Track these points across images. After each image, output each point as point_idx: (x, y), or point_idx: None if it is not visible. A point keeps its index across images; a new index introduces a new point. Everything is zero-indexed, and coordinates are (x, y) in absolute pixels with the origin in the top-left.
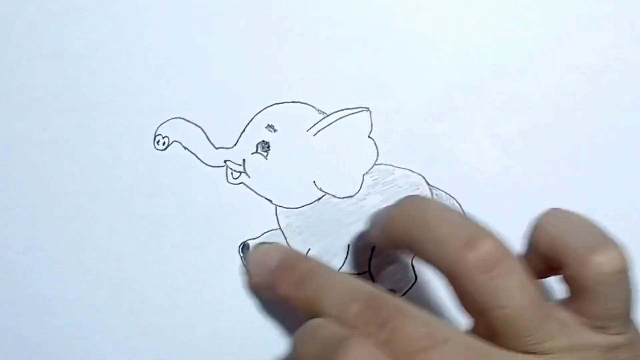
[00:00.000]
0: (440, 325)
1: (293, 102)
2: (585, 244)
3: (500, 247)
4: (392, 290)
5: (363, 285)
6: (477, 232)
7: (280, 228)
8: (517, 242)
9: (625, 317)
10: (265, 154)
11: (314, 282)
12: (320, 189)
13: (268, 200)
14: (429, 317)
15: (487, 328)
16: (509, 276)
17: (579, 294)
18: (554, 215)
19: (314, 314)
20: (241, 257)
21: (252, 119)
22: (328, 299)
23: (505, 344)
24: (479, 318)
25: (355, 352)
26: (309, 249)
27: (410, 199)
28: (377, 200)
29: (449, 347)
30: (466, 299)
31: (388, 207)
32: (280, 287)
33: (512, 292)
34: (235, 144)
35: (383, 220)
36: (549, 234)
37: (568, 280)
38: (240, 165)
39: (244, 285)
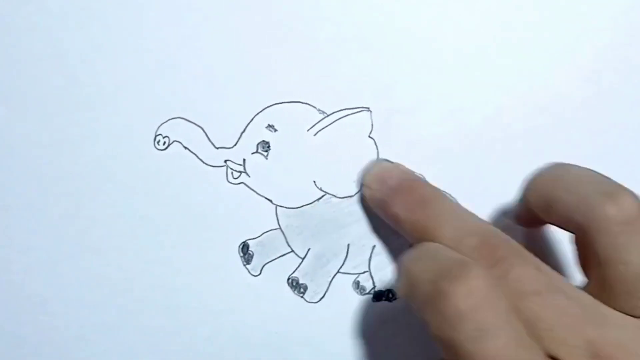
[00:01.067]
0: (554, 274)
1: (293, 102)
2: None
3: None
4: (392, 290)
5: (481, 221)
6: (618, 187)
7: (280, 228)
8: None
9: None
10: (265, 153)
11: (431, 208)
12: (320, 189)
13: (268, 200)
14: (544, 265)
15: (600, 287)
16: None
17: None
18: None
19: (424, 239)
20: (241, 256)
21: (252, 119)
22: (443, 228)
23: (614, 304)
24: (597, 273)
25: (477, 275)
26: (309, 249)
27: (552, 163)
28: None
29: (562, 296)
30: (592, 252)
31: (532, 173)
32: (394, 206)
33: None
34: (235, 144)
35: (527, 183)
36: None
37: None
38: (240, 165)
39: (244, 285)
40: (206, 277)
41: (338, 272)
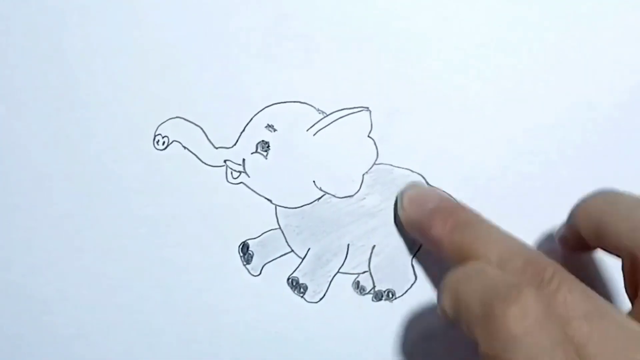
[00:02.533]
0: (599, 298)
1: (293, 102)
2: None
3: None
4: (392, 290)
5: (524, 244)
6: None
7: (280, 228)
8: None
9: None
10: (265, 153)
11: (473, 230)
12: (320, 189)
13: (268, 200)
14: (589, 289)
15: None
16: None
17: None
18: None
19: (466, 261)
20: (241, 256)
21: (251, 119)
22: (487, 249)
23: None
24: None
25: (530, 298)
26: (309, 249)
27: (602, 189)
28: (377, 200)
29: (607, 322)
30: None
31: (582, 198)
32: (435, 229)
33: None
34: (235, 144)
35: (577, 207)
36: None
37: None
38: (240, 165)
39: (244, 285)
40: (206, 277)
41: (338, 272)
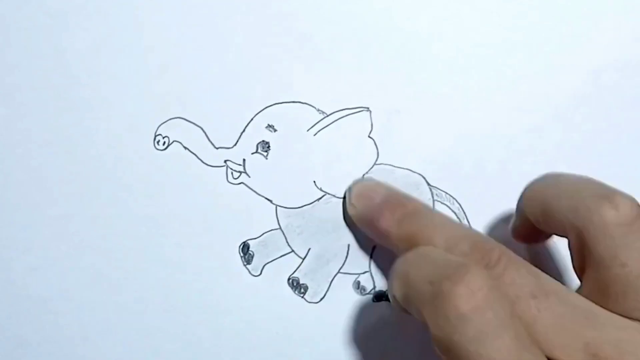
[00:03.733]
0: (546, 277)
1: (293, 102)
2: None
3: (637, 206)
4: None
5: (471, 229)
6: (615, 190)
7: (280, 228)
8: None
9: None
10: (265, 153)
11: (420, 220)
12: (321, 189)
13: (268, 200)
14: (535, 268)
15: (596, 290)
16: None
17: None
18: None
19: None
20: (241, 256)
21: (252, 119)
22: (434, 236)
23: (611, 306)
24: (593, 276)
25: (477, 277)
26: (310, 249)
27: (546, 174)
28: None
29: (556, 299)
30: (589, 254)
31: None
32: (382, 222)
33: None
34: (235, 144)
35: (523, 193)
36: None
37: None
38: (240, 165)
39: (244, 285)
40: (206, 277)
41: (339, 272)
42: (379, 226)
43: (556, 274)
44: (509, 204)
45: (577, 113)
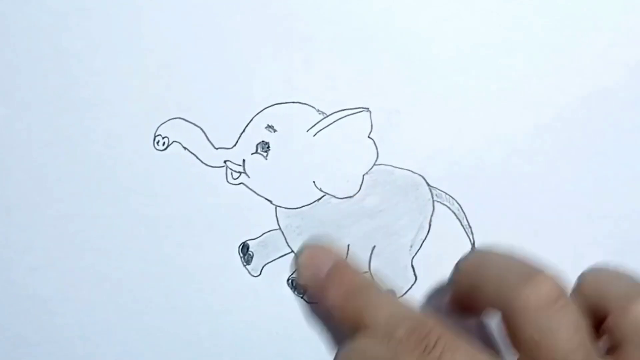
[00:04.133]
0: (483, 355)
1: (293, 102)
2: (625, 294)
3: (558, 286)
4: (392, 291)
5: (411, 309)
6: (535, 270)
7: (280, 228)
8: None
9: None
10: (265, 154)
11: (362, 298)
12: (320, 189)
13: (268, 200)
14: (473, 349)
15: None
16: (564, 315)
17: (619, 344)
18: (596, 269)
19: (358, 329)
20: (241, 257)
21: (252, 119)
22: (376, 315)
23: None
24: (526, 356)
25: None
26: None
27: (476, 249)
28: (377, 201)
29: None
30: (517, 335)
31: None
32: (329, 296)
33: (564, 332)
34: (235, 144)
35: (453, 270)
36: (591, 286)
37: (610, 330)
38: (240, 165)
39: (244, 285)
40: (206, 278)
41: None
42: (327, 300)
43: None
44: (509, 204)
45: (577, 113)
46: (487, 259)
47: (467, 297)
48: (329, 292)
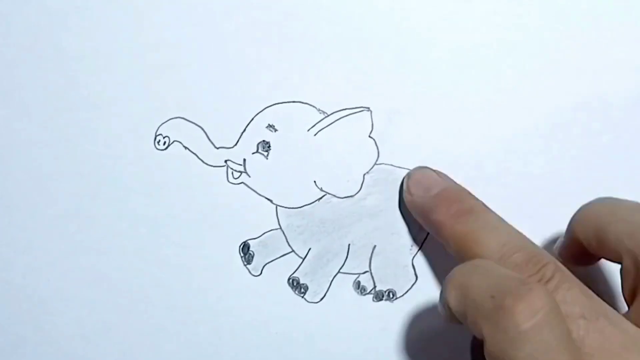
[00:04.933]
0: (596, 298)
1: (293, 102)
2: None
3: None
4: (392, 290)
5: (526, 238)
6: None
7: (280, 228)
8: None
9: None
10: (265, 153)
11: (476, 220)
12: (321, 189)
13: (268, 200)
14: (586, 288)
15: None
16: None
17: None
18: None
19: (468, 250)
20: (242, 256)
21: (252, 119)
22: (490, 241)
23: None
24: None
25: (540, 296)
26: (310, 249)
27: (600, 197)
28: (378, 200)
29: (606, 322)
30: None
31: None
32: (438, 214)
33: None
34: (235, 144)
35: (576, 215)
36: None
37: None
38: (240, 165)
39: (244, 285)
40: (207, 277)
41: (339, 272)
42: (433, 218)
43: (603, 296)
44: (509, 204)
45: (577, 113)
46: (615, 206)
47: (587, 244)
48: (439, 209)
